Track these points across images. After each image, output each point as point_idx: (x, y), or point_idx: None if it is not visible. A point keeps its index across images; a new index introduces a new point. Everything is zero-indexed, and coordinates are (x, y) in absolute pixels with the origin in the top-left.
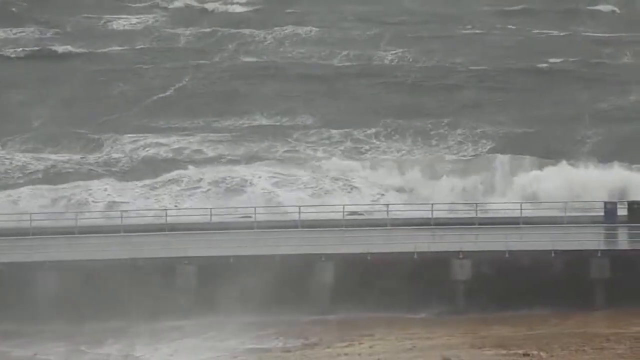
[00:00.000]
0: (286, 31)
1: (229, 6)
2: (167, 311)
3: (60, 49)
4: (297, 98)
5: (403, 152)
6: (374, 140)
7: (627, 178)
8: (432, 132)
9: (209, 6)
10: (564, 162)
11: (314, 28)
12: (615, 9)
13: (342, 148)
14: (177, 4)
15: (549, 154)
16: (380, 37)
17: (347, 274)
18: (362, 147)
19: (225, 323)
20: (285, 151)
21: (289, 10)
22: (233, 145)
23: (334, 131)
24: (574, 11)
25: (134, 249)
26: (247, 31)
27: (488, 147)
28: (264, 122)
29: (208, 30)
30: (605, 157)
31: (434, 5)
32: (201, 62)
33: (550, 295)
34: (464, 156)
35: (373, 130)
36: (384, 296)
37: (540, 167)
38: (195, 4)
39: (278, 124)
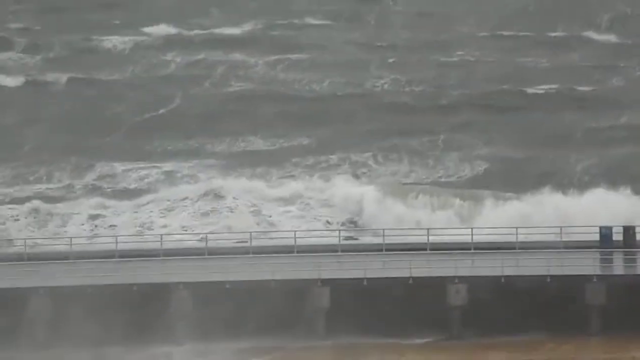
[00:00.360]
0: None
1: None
2: (160, 337)
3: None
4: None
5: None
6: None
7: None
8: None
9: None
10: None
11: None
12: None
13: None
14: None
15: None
16: (370, 63)
17: (343, 298)
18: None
19: (219, 349)
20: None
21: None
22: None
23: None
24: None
25: (128, 275)
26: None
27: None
28: (260, 146)
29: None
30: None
31: (424, 31)
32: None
33: (546, 321)
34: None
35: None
36: (379, 321)
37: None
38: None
39: (273, 147)
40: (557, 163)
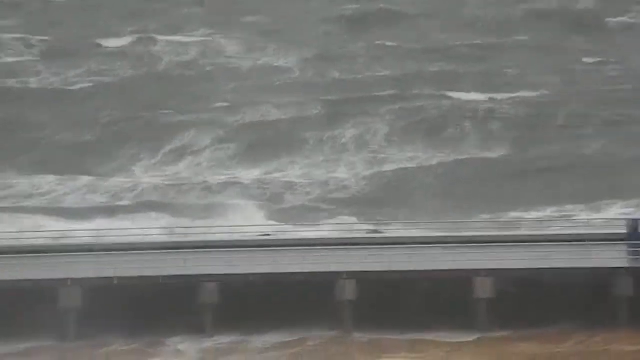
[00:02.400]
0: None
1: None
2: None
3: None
4: None
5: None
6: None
7: None
8: None
9: None
10: None
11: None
12: None
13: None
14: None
15: None
16: None
17: (368, 292)
18: None
19: (248, 342)
20: None
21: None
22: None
23: None
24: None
25: (155, 267)
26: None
27: None
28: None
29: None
30: None
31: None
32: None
33: (575, 313)
34: None
35: None
36: (406, 314)
37: None
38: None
39: None
40: None
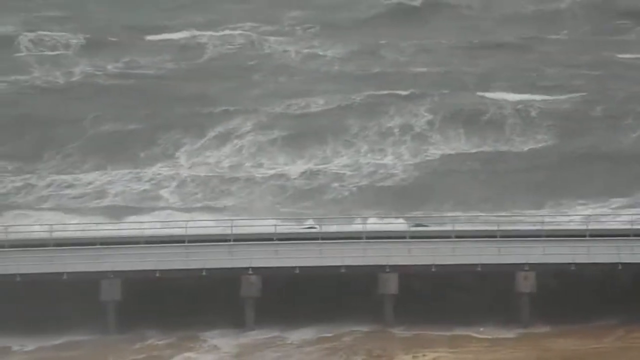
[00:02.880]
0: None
1: None
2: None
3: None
4: None
5: None
6: None
7: None
8: None
9: None
10: None
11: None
12: None
13: None
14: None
15: None
16: None
17: (410, 286)
18: None
19: (289, 336)
20: None
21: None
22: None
23: None
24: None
25: (199, 260)
26: None
27: None
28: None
29: None
30: None
31: None
32: None
33: (617, 309)
34: None
35: None
36: (447, 308)
37: None
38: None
39: None
40: None
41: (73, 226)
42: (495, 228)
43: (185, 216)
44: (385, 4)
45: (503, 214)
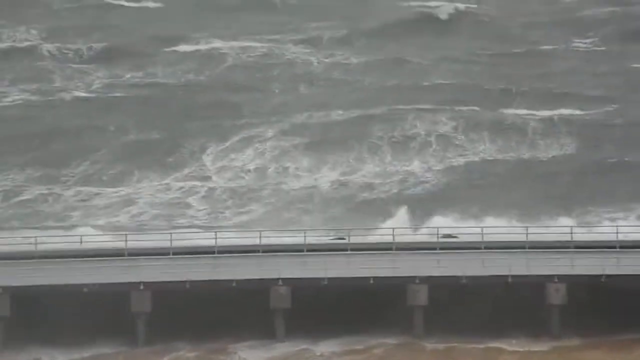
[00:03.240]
0: None
1: None
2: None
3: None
4: None
5: None
6: None
7: None
8: None
9: None
10: None
11: None
12: None
13: None
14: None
15: None
16: None
17: (440, 297)
18: None
19: (317, 347)
20: None
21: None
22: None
23: None
24: None
25: (228, 271)
26: None
27: None
28: None
29: None
30: None
31: None
32: None
33: None
34: None
35: None
36: (478, 320)
37: None
38: None
39: None
40: None
41: (102, 237)
42: (524, 239)
43: (214, 226)
44: (411, 12)
45: (531, 224)
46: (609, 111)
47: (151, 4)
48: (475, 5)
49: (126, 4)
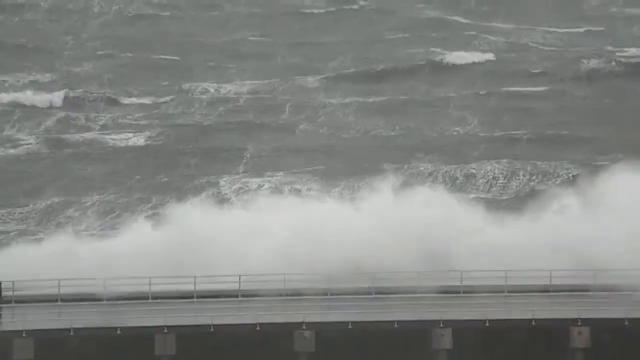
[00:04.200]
0: None
1: None
2: None
3: None
4: None
5: None
6: None
7: None
8: None
9: None
10: None
11: None
12: None
13: None
14: None
15: None
16: None
17: (464, 341)
18: None
19: None
20: None
21: None
22: None
23: None
24: None
25: (251, 314)
26: None
27: None
28: None
29: None
30: None
31: None
32: None
33: None
34: None
35: None
36: None
37: None
38: None
39: None
40: None
41: (125, 280)
42: (547, 283)
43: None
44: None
45: (555, 268)
46: None
47: None
48: None
49: None
